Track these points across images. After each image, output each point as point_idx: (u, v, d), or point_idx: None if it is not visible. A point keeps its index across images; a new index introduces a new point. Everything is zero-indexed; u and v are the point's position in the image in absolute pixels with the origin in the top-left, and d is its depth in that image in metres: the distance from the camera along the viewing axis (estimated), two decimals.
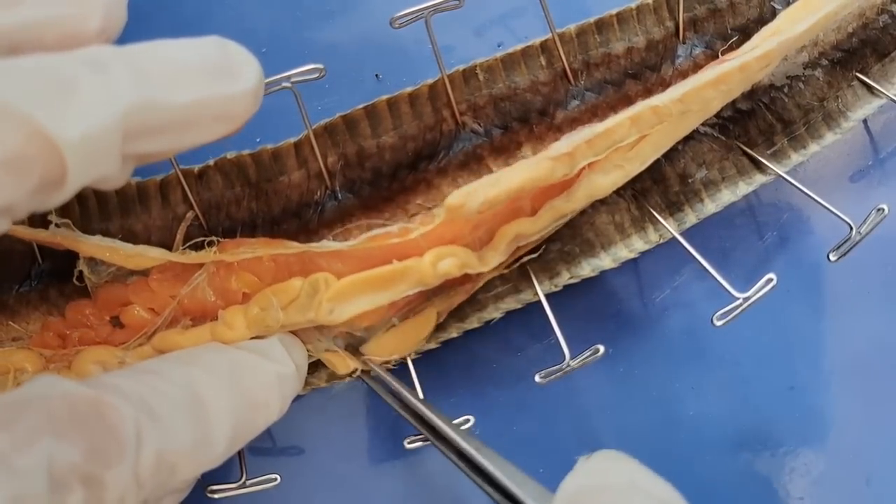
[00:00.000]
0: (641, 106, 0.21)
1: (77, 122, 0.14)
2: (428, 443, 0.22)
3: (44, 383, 0.15)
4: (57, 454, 0.14)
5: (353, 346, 0.23)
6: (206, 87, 0.16)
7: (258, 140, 0.23)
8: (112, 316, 0.22)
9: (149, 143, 0.16)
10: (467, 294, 0.23)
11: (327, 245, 0.22)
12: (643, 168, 0.22)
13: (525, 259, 0.24)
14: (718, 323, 0.22)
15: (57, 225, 0.21)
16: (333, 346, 0.22)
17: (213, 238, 0.22)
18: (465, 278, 0.22)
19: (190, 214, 0.23)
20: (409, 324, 0.23)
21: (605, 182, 0.22)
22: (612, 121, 0.21)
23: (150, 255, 0.21)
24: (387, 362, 0.23)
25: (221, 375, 0.19)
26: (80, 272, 0.22)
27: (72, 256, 0.22)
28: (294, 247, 0.22)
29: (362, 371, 0.23)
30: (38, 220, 0.22)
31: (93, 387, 0.16)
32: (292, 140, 0.23)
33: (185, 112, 0.16)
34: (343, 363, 0.22)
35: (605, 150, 0.21)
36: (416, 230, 0.21)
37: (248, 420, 0.19)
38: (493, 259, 0.22)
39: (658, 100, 0.21)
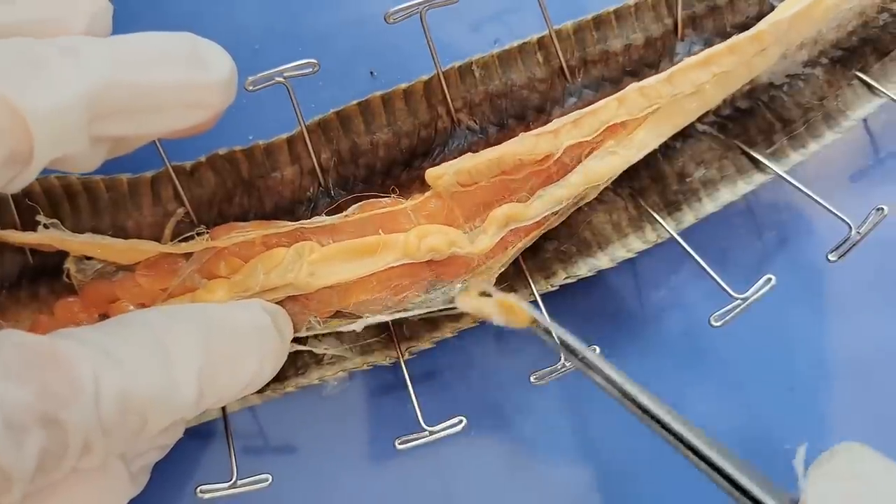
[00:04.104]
0: (629, 87, 0.21)
1: (43, 95, 0.15)
2: (420, 442, 0.22)
3: None
4: (7, 394, 0.14)
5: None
6: (175, 72, 0.16)
7: (250, 137, 0.23)
8: (101, 313, 0.22)
9: (118, 125, 0.16)
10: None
11: (319, 220, 0.22)
12: (640, 156, 0.22)
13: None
14: (717, 323, 0.22)
15: (45, 226, 0.21)
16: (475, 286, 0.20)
17: (203, 228, 0.22)
18: (465, 265, 0.22)
19: (180, 210, 0.22)
20: None
21: (600, 168, 0.21)
22: (600, 103, 0.21)
23: (142, 249, 0.21)
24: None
25: (185, 320, 0.18)
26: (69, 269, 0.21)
27: (62, 254, 0.22)
28: (286, 225, 0.22)
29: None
30: (28, 221, 0.21)
31: (50, 337, 0.16)
32: (285, 136, 0.23)
33: (155, 94, 0.16)
34: (521, 312, 0.19)
35: (592, 132, 0.21)
36: (406, 202, 0.21)
37: (220, 369, 0.18)
38: (483, 242, 0.21)
39: (646, 81, 0.21)
